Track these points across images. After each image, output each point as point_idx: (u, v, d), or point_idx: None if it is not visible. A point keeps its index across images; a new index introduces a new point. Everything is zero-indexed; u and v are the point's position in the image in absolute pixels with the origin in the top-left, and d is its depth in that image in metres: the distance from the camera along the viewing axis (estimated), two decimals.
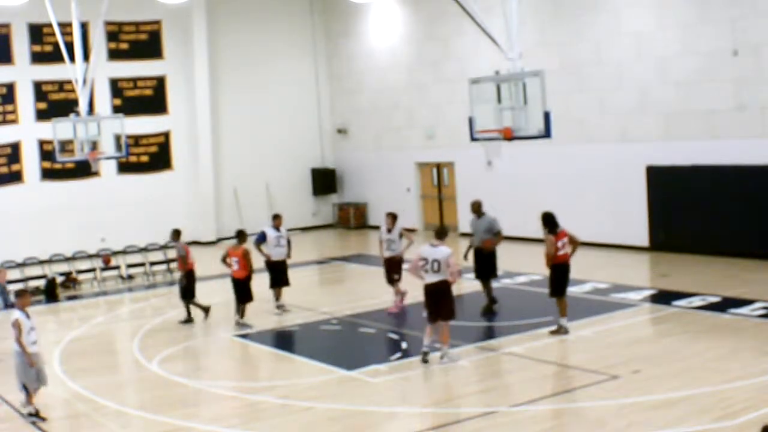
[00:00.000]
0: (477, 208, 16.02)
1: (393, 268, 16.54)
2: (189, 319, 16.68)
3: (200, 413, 11.53)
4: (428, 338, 12.86)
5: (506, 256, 20.77)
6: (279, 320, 16.42)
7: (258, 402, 11.72)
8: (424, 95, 27.56)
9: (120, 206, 27.08)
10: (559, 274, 13.97)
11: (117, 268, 22.69)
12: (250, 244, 16.41)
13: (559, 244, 13.85)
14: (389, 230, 16.52)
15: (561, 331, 13.90)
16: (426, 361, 12.71)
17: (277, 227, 17.03)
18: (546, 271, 14.35)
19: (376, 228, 29.65)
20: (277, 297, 16.99)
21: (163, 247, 23.52)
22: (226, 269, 16.27)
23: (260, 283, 16.78)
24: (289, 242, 17.17)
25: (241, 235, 16.20)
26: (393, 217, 16.61)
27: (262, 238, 16.88)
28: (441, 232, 13.05)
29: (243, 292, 15.97)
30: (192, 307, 16.76)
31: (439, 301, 12.75)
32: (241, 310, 16.09)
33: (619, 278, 18.14)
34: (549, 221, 13.97)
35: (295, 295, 17.30)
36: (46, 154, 25.60)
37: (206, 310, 16.84)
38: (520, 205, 24.20)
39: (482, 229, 15.78)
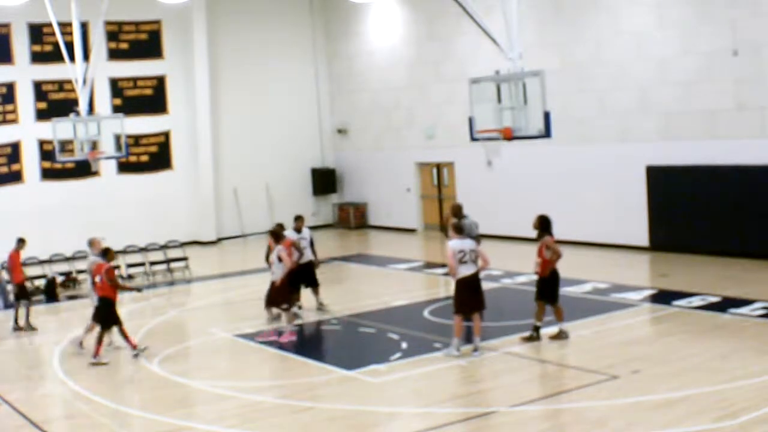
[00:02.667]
0: (457, 212, 15.81)
1: (273, 294, 14.93)
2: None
3: (200, 413, 11.53)
4: (460, 338, 13.22)
5: (506, 256, 20.81)
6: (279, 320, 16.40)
7: (258, 402, 11.72)
8: (424, 95, 27.56)
9: (120, 206, 27.08)
10: (556, 279, 13.73)
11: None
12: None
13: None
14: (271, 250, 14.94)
15: (562, 336, 13.73)
16: (477, 348, 13.20)
17: (298, 229, 16.67)
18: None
19: (377, 228, 29.83)
20: (297, 299, 16.80)
21: (163, 247, 23.50)
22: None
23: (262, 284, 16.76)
24: (312, 243, 16.86)
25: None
26: (274, 236, 15.16)
27: None
28: (462, 227, 13.46)
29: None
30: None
31: (478, 291, 13.23)
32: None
33: (619, 278, 18.14)
34: (547, 224, 13.79)
35: None
36: (46, 154, 25.59)
37: None
38: (520, 205, 24.21)
39: None
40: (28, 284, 18.12)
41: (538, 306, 13.78)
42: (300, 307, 16.78)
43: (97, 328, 14.34)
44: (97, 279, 14.30)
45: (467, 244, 13.13)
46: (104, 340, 14.22)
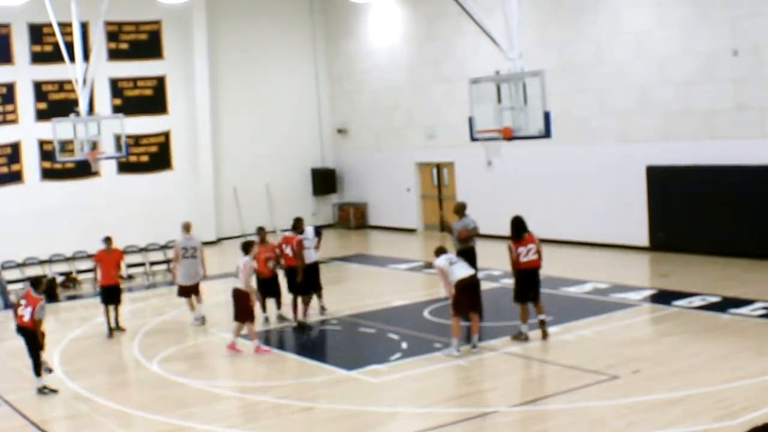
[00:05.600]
0: (459, 209, 16.13)
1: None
2: None
3: (200, 413, 11.53)
4: (459, 338, 13.27)
5: (506, 256, 20.80)
6: (278, 320, 16.39)
7: (258, 402, 11.73)
8: (424, 95, 27.56)
9: (120, 206, 27.07)
10: (519, 281, 13.73)
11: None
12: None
13: (522, 250, 13.62)
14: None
15: (521, 337, 13.69)
16: (476, 346, 13.33)
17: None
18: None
19: (377, 228, 29.83)
20: (307, 301, 16.72)
21: (163, 247, 23.51)
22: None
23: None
24: (319, 236, 16.60)
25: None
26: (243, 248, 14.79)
27: None
28: (445, 251, 13.68)
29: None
30: None
31: (478, 293, 13.61)
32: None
33: (619, 278, 18.14)
34: (513, 227, 13.80)
35: None
36: (46, 154, 25.57)
37: None
38: (520, 205, 24.15)
39: (459, 229, 15.88)
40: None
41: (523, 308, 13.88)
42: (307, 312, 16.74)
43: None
44: (288, 250, 15.60)
45: (452, 256, 13.62)
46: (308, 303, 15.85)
